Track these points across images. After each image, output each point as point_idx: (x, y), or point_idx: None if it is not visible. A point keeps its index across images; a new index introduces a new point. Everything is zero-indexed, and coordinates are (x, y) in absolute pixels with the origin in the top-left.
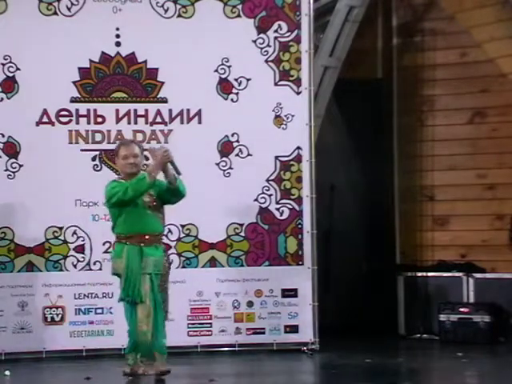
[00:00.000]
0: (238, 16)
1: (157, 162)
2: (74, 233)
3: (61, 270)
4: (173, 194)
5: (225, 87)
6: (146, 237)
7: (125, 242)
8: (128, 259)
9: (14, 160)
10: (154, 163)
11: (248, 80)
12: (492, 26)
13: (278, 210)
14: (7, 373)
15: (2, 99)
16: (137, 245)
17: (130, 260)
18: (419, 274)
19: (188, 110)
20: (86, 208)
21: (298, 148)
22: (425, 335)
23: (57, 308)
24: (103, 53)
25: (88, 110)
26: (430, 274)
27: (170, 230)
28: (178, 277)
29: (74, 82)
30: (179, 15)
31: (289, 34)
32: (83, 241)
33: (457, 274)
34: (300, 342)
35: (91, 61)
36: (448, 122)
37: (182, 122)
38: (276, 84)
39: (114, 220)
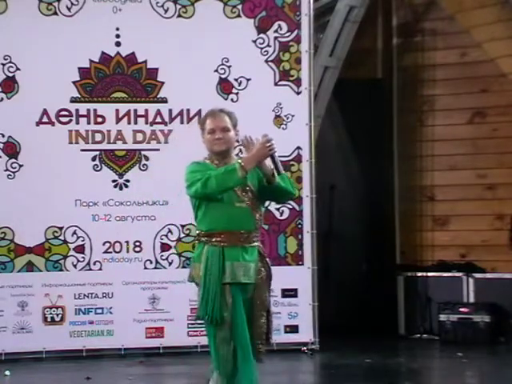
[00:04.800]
0: (238, 16)
1: (255, 153)
2: (74, 233)
3: (61, 270)
4: (277, 192)
5: (225, 87)
6: (230, 235)
7: (205, 242)
8: (207, 263)
9: (13, 160)
10: (251, 154)
11: (248, 80)
12: (492, 25)
13: (278, 209)
14: (7, 373)
15: (2, 99)
16: (218, 245)
17: (210, 264)
18: (419, 274)
19: (188, 110)
20: (86, 208)
21: (298, 148)
22: (425, 335)
23: (57, 308)
24: (103, 53)
25: (88, 110)
26: (429, 274)
27: (170, 230)
28: (178, 277)
29: (74, 82)
30: (179, 15)
31: (289, 34)
32: (83, 241)
33: (457, 274)
34: (300, 342)
35: (91, 61)
36: (448, 122)
37: (182, 122)
38: (276, 84)
39: (193, 211)
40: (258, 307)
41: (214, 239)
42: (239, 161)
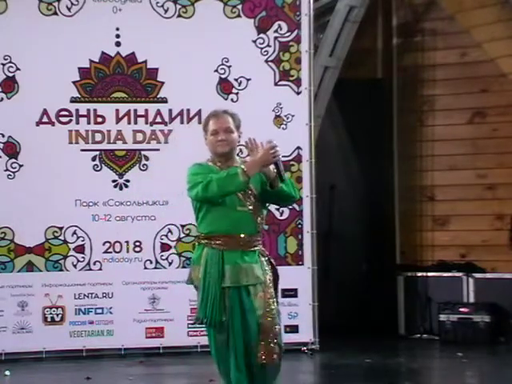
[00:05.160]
0: (238, 16)
1: (258, 159)
2: (74, 233)
3: (61, 270)
4: (280, 196)
5: (225, 87)
6: (230, 239)
7: (205, 244)
8: (206, 266)
9: (13, 160)
10: (255, 159)
11: (248, 80)
12: (492, 26)
13: (278, 209)
14: (7, 373)
15: (2, 99)
16: (217, 248)
17: (209, 267)
18: (419, 274)
19: (188, 110)
20: (86, 208)
21: (298, 148)
22: (425, 335)
23: (57, 308)
24: (103, 53)
25: (88, 110)
26: (430, 274)
27: (170, 230)
28: (178, 277)
29: (74, 82)
30: (179, 15)
31: (289, 34)
32: (83, 241)
33: (457, 274)
34: (300, 342)
35: (91, 61)
36: (448, 122)
37: (182, 122)
38: (276, 84)
39: (194, 213)
40: (268, 308)
41: (213, 242)
42: (242, 166)
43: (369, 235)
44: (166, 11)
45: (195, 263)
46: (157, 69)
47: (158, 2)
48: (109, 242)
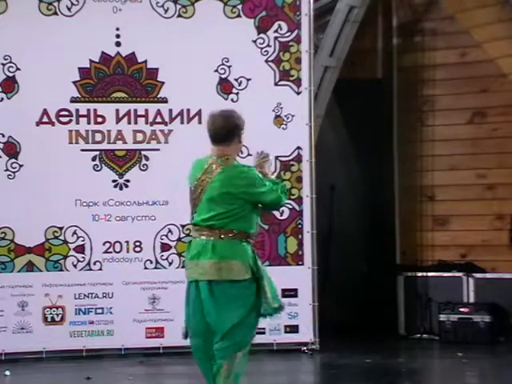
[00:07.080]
0: (238, 16)
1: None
2: (74, 233)
3: (61, 270)
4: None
5: (225, 87)
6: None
7: (246, 241)
8: (256, 260)
9: (13, 160)
10: (266, 171)
11: (248, 80)
12: (492, 26)
13: (278, 210)
14: (7, 373)
15: (2, 99)
16: (251, 245)
17: (258, 261)
18: (419, 274)
19: (188, 110)
20: (86, 208)
21: (298, 148)
22: (425, 335)
23: (57, 308)
24: (103, 53)
25: (88, 110)
26: (430, 273)
27: (170, 230)
28: (178, 277)
29: (74, 82)
30: (179, 15)
31: (289, 34)
32: (83, 241)
33: (457, 274)
34: (300, 342)
35: (91, 61)
36: (448, 121)
37: (182, 122)
38: (276, 84)
39: (236, 212)
40: None
41: (251, 240)
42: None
43: (369, 235)
44: (166, 11)
45: (244, 258)
46: (157, 69)
47: (158, 2)
48: (109, 242)
